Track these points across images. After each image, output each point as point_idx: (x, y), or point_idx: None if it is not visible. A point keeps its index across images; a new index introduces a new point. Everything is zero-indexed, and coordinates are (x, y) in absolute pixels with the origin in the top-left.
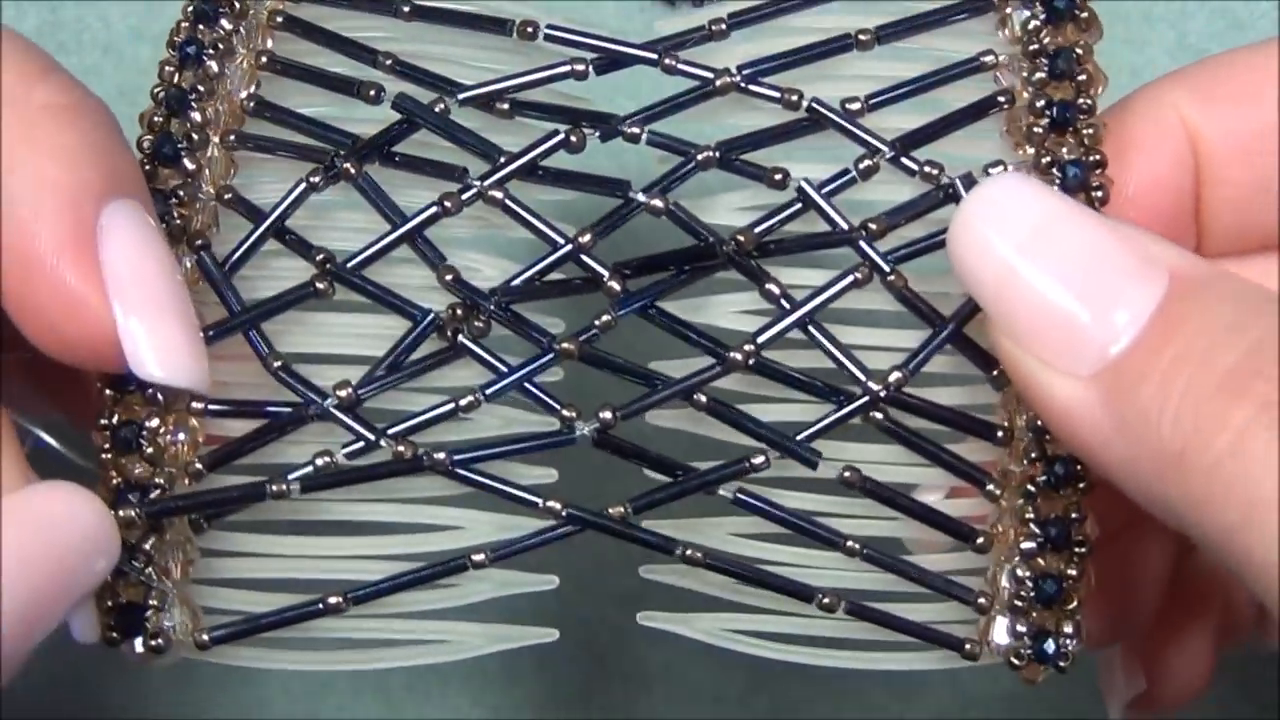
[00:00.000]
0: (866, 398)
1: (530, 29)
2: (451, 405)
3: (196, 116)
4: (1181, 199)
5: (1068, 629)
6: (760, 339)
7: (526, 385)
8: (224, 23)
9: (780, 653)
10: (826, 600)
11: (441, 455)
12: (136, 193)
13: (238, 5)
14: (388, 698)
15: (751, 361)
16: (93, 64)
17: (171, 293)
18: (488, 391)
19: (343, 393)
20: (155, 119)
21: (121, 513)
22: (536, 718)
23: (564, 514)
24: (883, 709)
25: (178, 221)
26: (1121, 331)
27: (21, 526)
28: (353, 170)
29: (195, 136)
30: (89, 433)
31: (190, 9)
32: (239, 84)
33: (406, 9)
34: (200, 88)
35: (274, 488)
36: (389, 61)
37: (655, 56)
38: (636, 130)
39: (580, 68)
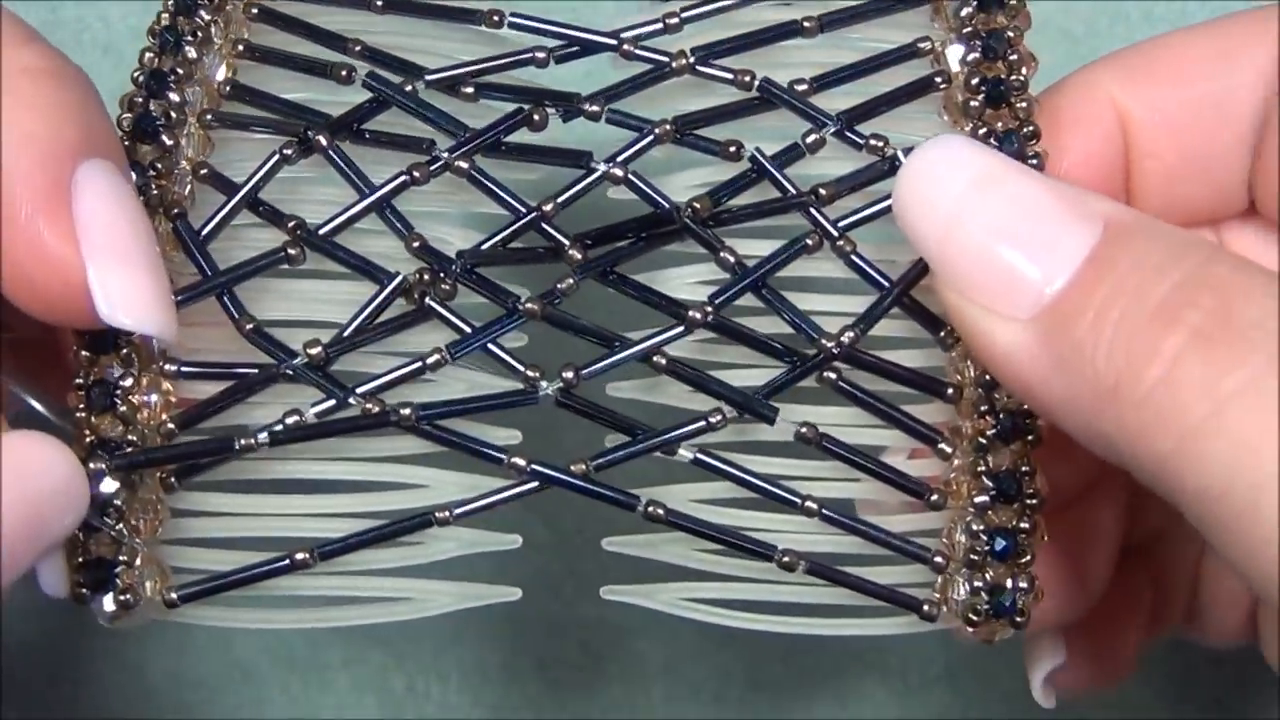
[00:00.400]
0: (821, 356)
1: (496, 18)
2: (419, 364)
3: (174, 97)
4: (1113, 173)
5: (1023, 583)
6: (716, 300)
7: (491, 346)
8: (202, 13)
9: (741, 620)
10: (786, 559)
11: (407, 411)
12: (112, 154)
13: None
14: (388, 698)
15: (710, 319)
16: (92, 64)
17: (141, 246)
18: (454, 352)
19: (313, 351)
20: (135, 100)
21: (93, 465)
22: (536, 718)
23: (528, 469)
24: (883, 709)
25: (155, 192)
26: (1057, 274)
27: None
28: (324, 142)
29: (173, 115)
30: (70, 409)
31: (171, 2)
32: (216, 69)
33: (379, 2)
34: (179, 70)
35: (242, 441)
36: (359, 48)
37: (614, 43)
38: (596, 109)
39: (541, 55)
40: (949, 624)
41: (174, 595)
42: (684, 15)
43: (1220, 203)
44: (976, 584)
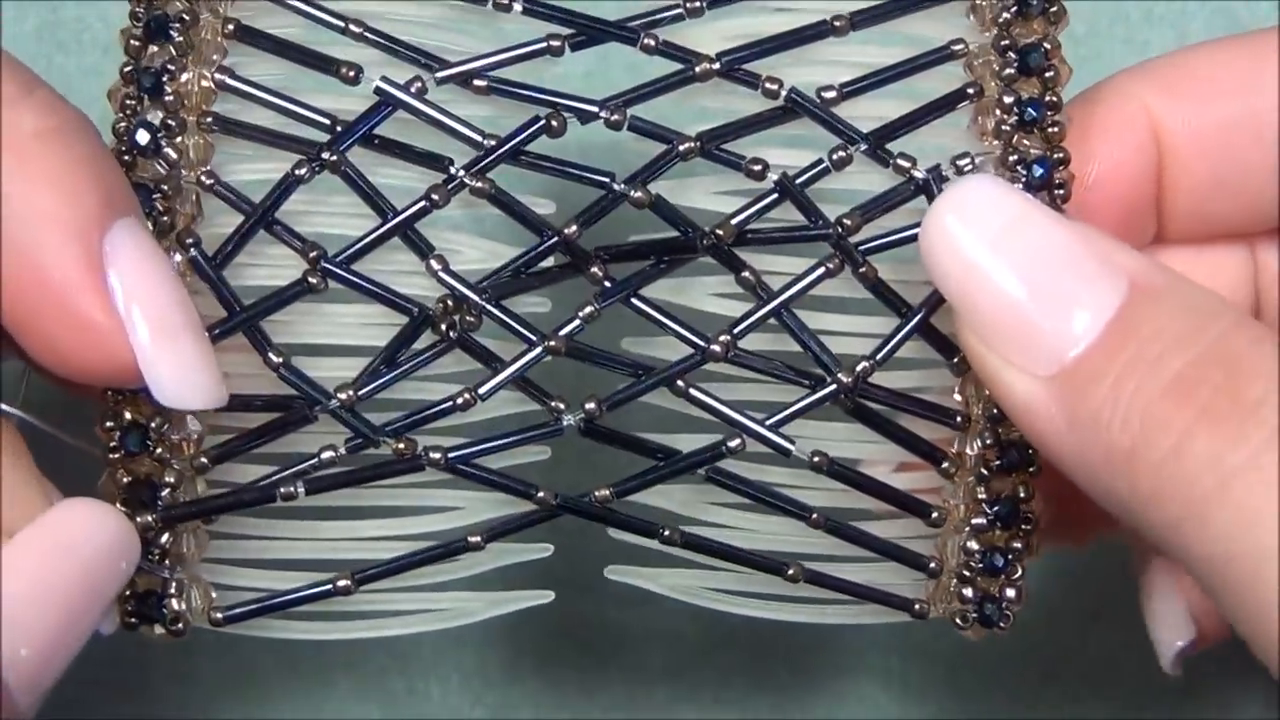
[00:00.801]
0: (834, 387)
1: (506, 1)
2: (449, 404)
3: (170, 97)
4: (1143, 186)
5: (1010, 594)
6: (736, 329)
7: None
8: (173, 33)
9: (742, 607)
10: (792, 572)
11: (437, 455)
12: (129, 207)
13: None
14: (388, 698)
15: (730, 354)
16: (92, 64)
17: (182, 311)
18: (481, 390)
19: (343, 395)
20: (128, 100)
21: (139, 519)
22: (536, 718)
23: (555, 502)
24: (883, 710)
25: (164, 218)
26: (1080, 335)
27: (50, 552)
28: (338, 161)
29: (172, 122)
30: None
31: None
32: (208, 56)
33: None
34: (170, 67)
35: (283, 489)
36: (359, 30)
37: (633, 35)
38: (619, 118)
39: (556, 44)
40: (935, 618)
41: (220, 615)
42: (699, 70)
43: (1251, 219)
44: (966, 593)
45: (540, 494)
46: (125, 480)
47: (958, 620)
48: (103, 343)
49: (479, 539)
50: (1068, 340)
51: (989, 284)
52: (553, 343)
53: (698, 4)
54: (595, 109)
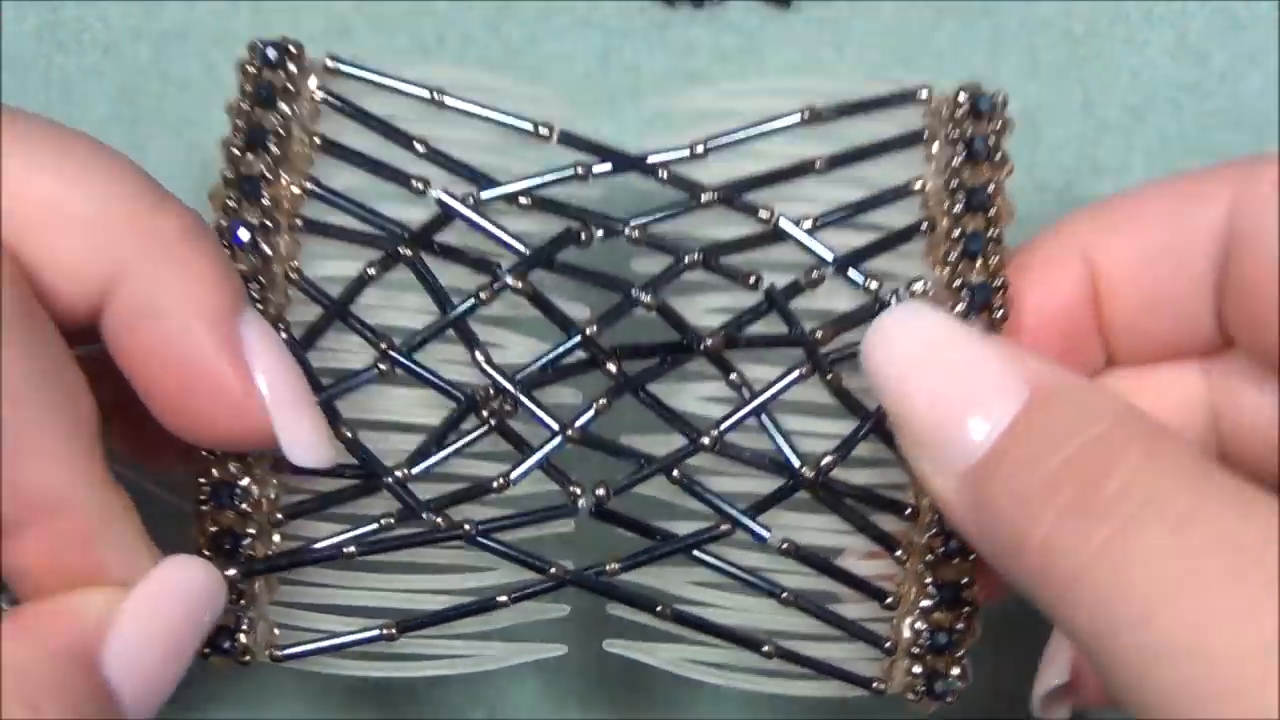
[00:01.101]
0: (801, 481)
1: (546, 130)
2: (484, 487)
3: (266, 201)
4: (1082, 314)
5: (955, 671)
6: (723, 426)
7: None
8: (281, 105)
9: (722, 679)
10: (766, 649)
11: (468, 527)
12: (246, 297)
13: (290, 88)
14: (387, 698)
15: (717, 446)
16: (93, 64)
17: (304, 389)
18: (512, 476)
19: (400, 472)
20: (228, 201)
21: (227, 571)
22: (535, 718)
23: (566, 577)
24: (884, 709)
25: (259, 305)
26: (983, 440)
27: (160, 602)
28: (412, 258)
29: (268, 223)
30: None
31: (249, 88)
32: (299, 166)
33: (442, 100)
34: (267, 175)
35: (345, 550)
36: (424, 150)
37: (650, 168)
38: (636, 234)
39: (582, 171)
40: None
41: (279, 653)
42: (709, 145)
43: (1188, 340)
44: (916, 670)
45: (553, 569)
46: (212, 530)
47: (909, 695)
48: (248, 414)
49: (506, 599)
50: (973, 444)
51: (911, 395)
52: (570, 433)
53: (700, 149)
54: (620, 226)
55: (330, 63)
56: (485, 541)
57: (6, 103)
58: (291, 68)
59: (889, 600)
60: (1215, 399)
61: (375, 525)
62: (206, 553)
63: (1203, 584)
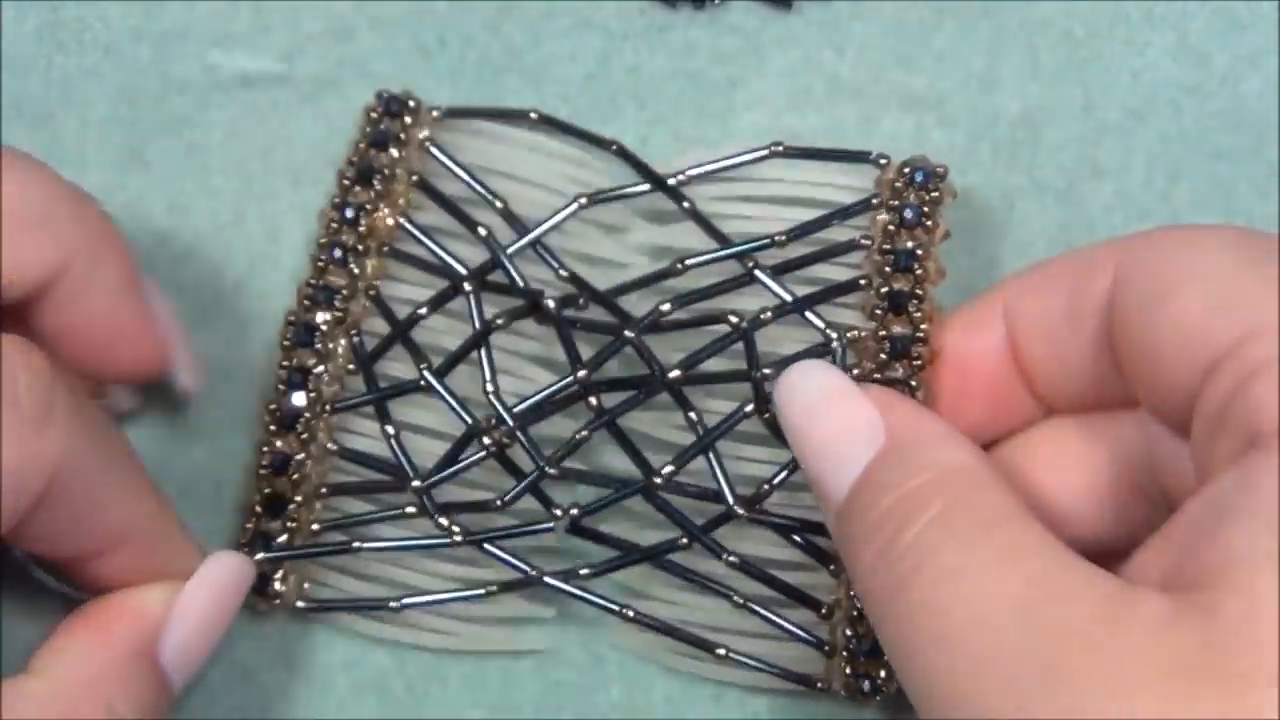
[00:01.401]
0: (732, 510)
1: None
2: (489, 499)
3: (362, 228)
4: (1003, 366)
5: (882, 674)
6: (669, 469)
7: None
8: (392, 150)
9: (681, 666)
10: (721, 651)
11: (457, 530)
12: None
13: (403, 136)
14: (387, 698)
15: (667, 482)
16: (93, 64)
17: (178, 332)
18: (506, 499)
19: (417, 483)
20: (331, 223)
21: (256, 557)
22: (536, 718)
23: (542, 575)
24: (883, 709)
25: (339, 313)
26: (846, 485)
27: (208, 594)
28: (471, 292)
29: (360, 247)
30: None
31: (368, 130)
32: (396, 201)
33: (534, 116)
34: (368, 206)
35: (355, 545)
36: (496, 202)
37: (629, 335)
38: (631, 335)
39: (585, 202)
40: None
41: (301, 604)
42: (687, 263)
43: (1107, 394)
44: (849, 670)
45: (533, 571)
46: (266, 491)
47: (844, 690)
48: (154, 353)
49: (495, 588)
50: (840, 488)
51: (804, 443)
52: (551, 470)
53: (680, 267)
54: (624, 334)
55: (437, 112)
56: (490, 549)
57: (6, 103)
58: (407, 119)
59: (823, 610)
60: (1150, 446)
61: (401, 512)
62: (259, 509)
63: (949, 636)
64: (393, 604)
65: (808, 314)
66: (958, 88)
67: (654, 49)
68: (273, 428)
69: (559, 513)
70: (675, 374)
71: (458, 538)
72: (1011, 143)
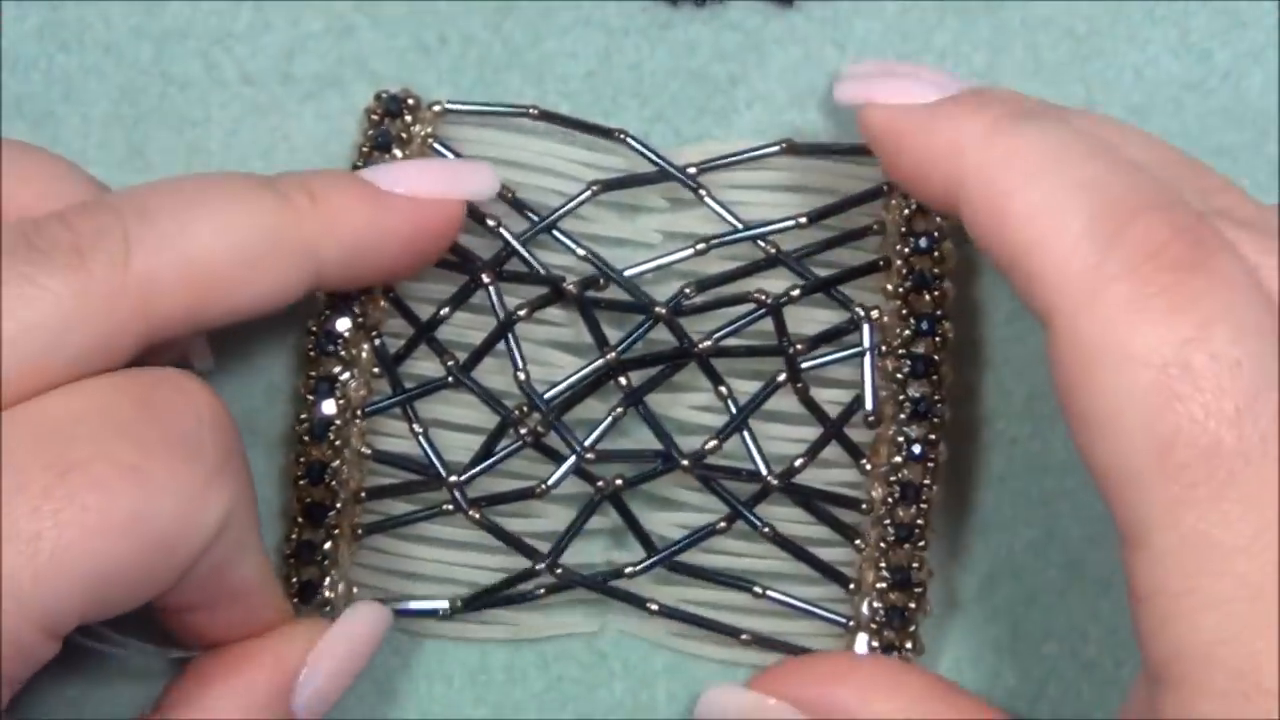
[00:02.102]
0: (769, 485)
1: (619, 134)
2: (527, 490)
3: None
4: None
5: (909, 645)
6: (708, 445)
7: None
8: (395, 151)
9: (708, 652)
10: (745, 637)
11: (477, 515)
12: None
13: (404, 136)
14: (389, 697)
15: (695, 467)
16: (94, 63)
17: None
18: (549, 482)
19: (452, 478)
20: None
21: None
22: (537, 717)
23: (560, 576)
24: None
25: (360, 318)
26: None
27: (348, 643)
28: (489, 284)
29: None
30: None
31: (370, 133)
32: None
33: (533, 111)
34: None
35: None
36: (510, 196)
37: (660, 311)
38: (662, 311)
39: (598, 189)
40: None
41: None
42: (711, 243)
43: None
44: (874, 644)
45: (541, 565)
46: (306, 500)
47: None
48: None
49: (542, 591)
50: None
51: None
52: (588, 455)
53: (703, 246)
54: (647, 313)
55: (437, 107)
56: (525, 543)
57: (7, 102)
58: (408, 118)
59: (851, 587)
60: None
61: (435, 510)
62: (300, 519)
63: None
64: (440, 612)
65: (835, 293)
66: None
67: (655, 46)
68: (306, 438)
69: (601, 484)
70: (706, 344)
71: (475, 515)
72: None
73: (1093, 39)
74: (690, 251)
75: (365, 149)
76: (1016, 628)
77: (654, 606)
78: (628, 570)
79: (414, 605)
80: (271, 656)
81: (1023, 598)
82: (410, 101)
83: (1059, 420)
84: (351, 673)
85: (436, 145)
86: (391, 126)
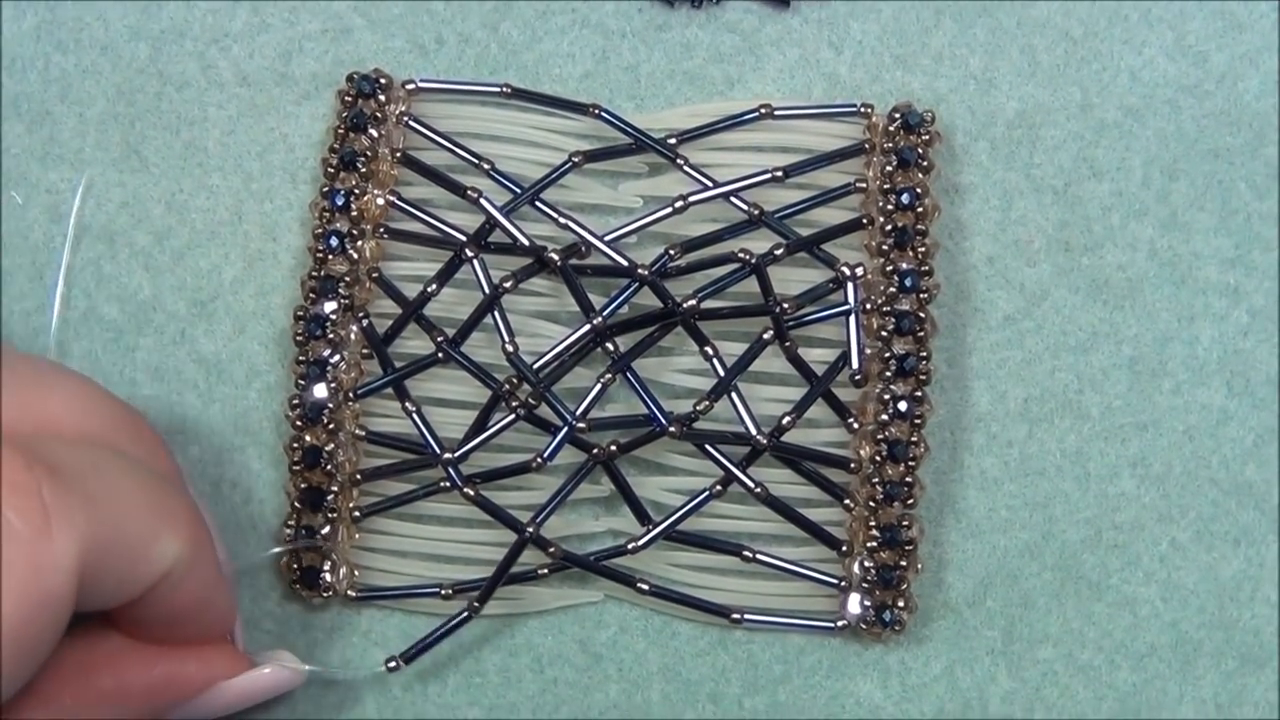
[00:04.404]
0: (759, 445)
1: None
2: (521, 464)
3: (354, 212)
4: None
5: (901, 604)
6: (699, 407)
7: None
8: (371, 130)
9: (703, 619)
10: (736, 617)
11: (471, 493)
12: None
13: (379, 115)
14: (386, 698)
15: (682, 431)
16: (91, 63)
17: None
18: (545, 454)
19: (447, 455)
20: (324, 211)
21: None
22: (534, 718)
23: (560, 555)
24: (879, 710)
25: (345, 299)
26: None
27: (245, 692)
28: (474, 260)
29: (355, 231)
30: None
31: (344, 114)
32: (383, 181)
33: (507, 89)
34: (356, 190)
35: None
36: (483, 165)
37: (643, 274)
38: (645, 273)
39: (579, 160)
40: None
41: (353, 594)
42: (690, 200)
43: None
44: (867, 603)
45: (528, 531)
46: (303, 486)
47: (862, 624)
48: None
49: (545, 570)
50: None
51: None
52: (580, 424)
53: (681, 204)
54: (631, 274)
55: (410, 85)
56: (522, 519)
57: (5, 102)
58: (381, 97)
59: (844, 549)
60: None
61: (433, 488)
62: (298, 504)
63: None
64: (443, 592)
65: (818, 251)
66: (955, 87)
67: (651, 48)
68: (299, 423)
69: (597, 450)
70: (691, 303)
71: (469, 491)
72: (1009, 142)
73: (1089, 41)
74: (669, 210)
75: (340, 130)
76: (1011, 631)
77: (644, 587)
78: (630, 545)
79: (417, 588)
80: (180, 680)
81: (1018, 601)
82: (383, 81)
83: (1053, 423)
84: (234, 711)
85: (413, 123)
86: (365, 106)
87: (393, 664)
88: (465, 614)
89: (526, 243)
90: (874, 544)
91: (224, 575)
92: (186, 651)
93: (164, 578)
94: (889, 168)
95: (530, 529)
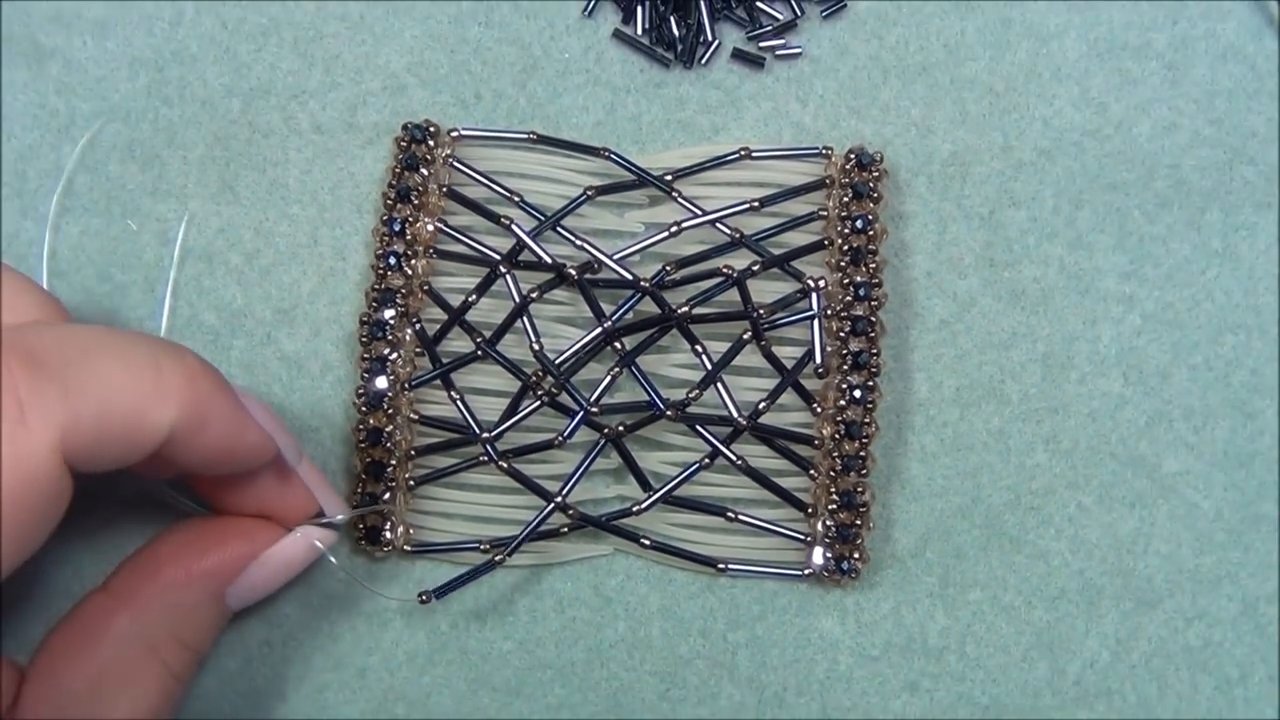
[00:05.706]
0: (739, 426)
1: (601, 150)
2: (548, 441)
3: (409, 237)
4: None
5: (856, 555)
6: (690, 394)
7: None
8: (422, 170)
9: (695, 569)
10: (722, 566)
11: (504, 465)
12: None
13: (429, 157)
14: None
15: (678, 414)
16: (192, 115)
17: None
18: (564, 433)
19: (485, 434)
20: (384, 236)
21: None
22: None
23: (574, 517)
24: (839, 642)
25: (402, 307)
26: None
27: (281, 562)
28: (508, 277)
29: (409, 253)
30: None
31: (400, 156)
32: (433, 209)
33: (533, 136)
34: (410, 219)
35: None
36: (518, 199)
37: (645, 286)
38: (647, 285)
39: (591, 193)
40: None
41: (408, 548)
42: (683, 225)
43: None
44: (828, 555)
45: (556, 501)
46: (367, 460)
47: (825, 573)
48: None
49: (565, 529)
50: None
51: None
52: (593, 410)
53: (676, 229)
54: (638, 285)
55: (454, 133)
56: (541, 484)
57: (120, 147)
58: (430, 143)
59: (809, 511)
60: None
61: (473, 461)
62: (363, 475)
63: None
64: (482, 547)
65: (788, 267)
66: (900, 133)
67: (651, 101)
68: (363, 409)
69: (607, 430)
70: (684, 310)
71: (504, 466)
72: (944, 177)
73: (1009, 95)
74: (666, 234)
75: (397, 170)
76: (946, 578)
77: (646, 542)
78: (634, 508)
79: (460, 543)
80: (214, 557)
81: (951, 553)
82: (432, 129)
83: (980, 408)
84: (281, 582)
85: (456, 164)
86: (417, 150)
87: (424, 597)
88: (489, 563)
89: (550, 261)
90: (834, 506)
91: (246, 411)
92: (234, 533)
93: (169, 438)
94: (846, 199)
95: (559, 498)
